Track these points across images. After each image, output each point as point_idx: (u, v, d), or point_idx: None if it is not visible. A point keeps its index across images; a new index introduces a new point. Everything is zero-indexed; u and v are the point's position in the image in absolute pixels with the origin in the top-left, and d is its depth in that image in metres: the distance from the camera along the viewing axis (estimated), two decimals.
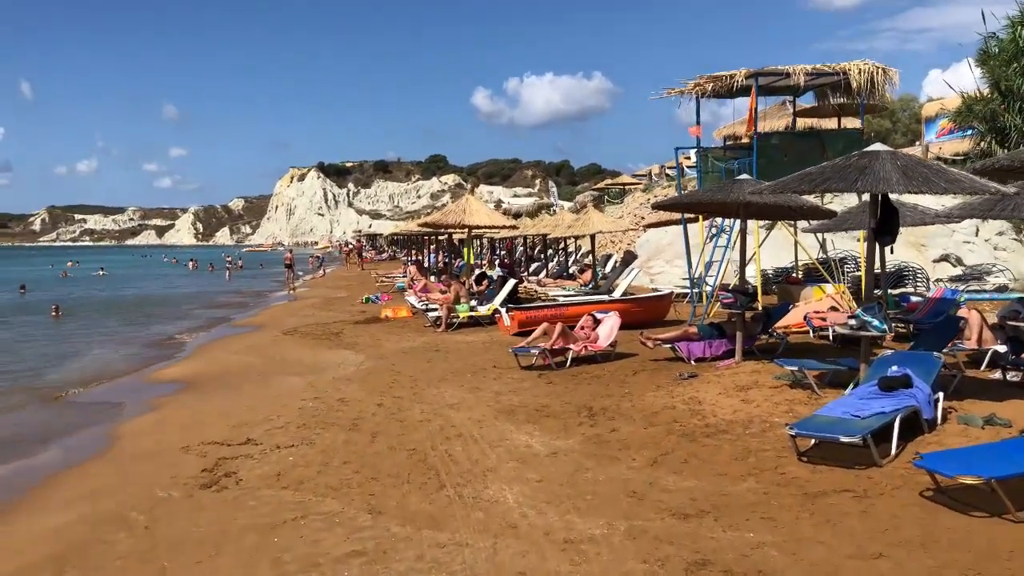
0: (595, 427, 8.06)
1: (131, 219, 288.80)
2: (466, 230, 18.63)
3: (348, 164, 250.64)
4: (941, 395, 7.24)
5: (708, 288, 16.68)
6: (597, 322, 12.51)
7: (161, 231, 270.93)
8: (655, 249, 27.52)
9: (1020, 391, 8.40)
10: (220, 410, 10.01)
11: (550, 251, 33.44)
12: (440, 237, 31.24)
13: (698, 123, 17.50)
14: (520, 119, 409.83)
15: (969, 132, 24.46)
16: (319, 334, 17.18)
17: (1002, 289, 18.91)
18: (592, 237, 20.44)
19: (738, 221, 16.25)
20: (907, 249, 20.17)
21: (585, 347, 11.93)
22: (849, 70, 15.58)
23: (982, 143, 22.88)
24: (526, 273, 28.37)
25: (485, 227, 18.00)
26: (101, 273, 55.26)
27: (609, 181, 62.03)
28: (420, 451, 7.52)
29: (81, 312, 27.75)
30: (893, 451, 6.48)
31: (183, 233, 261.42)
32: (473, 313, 17.29)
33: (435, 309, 17.85)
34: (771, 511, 5.59)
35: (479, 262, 38.27)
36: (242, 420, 9.12)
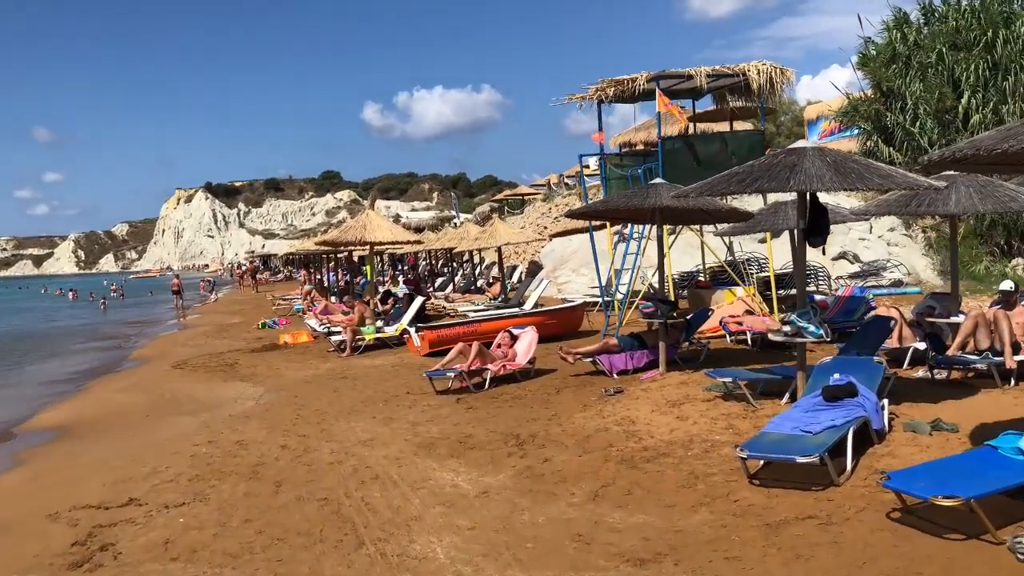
0: (525, 458, 7.38)
1: (3, 249, 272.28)
2: (368, 247, 17.72)
3: (237, 183, 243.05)
4: (886, 402, 6.90)
5: (619, 296, 16.33)
6: (514, 338, 11.88)
7: (39, 260, 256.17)
8: (560, 258, 27.19)
9: (951, 390, 8.22)
10: (99, 462, 8.83)
11: (454, 265, 32.74)
12: (339, 255, 30.04)
13: (600, 129, 17.20)
14: (413, 133, 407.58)
15: (855, 132, 25.26)
16: (213, 365, 15.91)
17: (897, 284, 19.33)
18: (499, 249, 19.85)
19: (650, 227, 15.99)
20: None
21: (504, 366, 11.26)
22: (748, 71, 15.51)
23: (868, 142, 23.62)
24: (432, 289, 27.55)
25: (388, 243, 17.14)
26: None
27: (508, 192, 61.81)
28: (333, 500, 6.66)
29: None
30: (848, 467, 6.06)
31: (63, 262, 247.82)
32: (380, 334, 16.39)
33: (338, 332, 16.87)
34: (734, 548, 5.03)
35: (382, 279, 37.20)
36: (124, 474, 8.01)
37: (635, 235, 15.38)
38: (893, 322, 8.92)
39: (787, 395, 8.14)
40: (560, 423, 8.53)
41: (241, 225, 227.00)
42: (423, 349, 14.63)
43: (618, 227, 21.86)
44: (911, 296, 18.21)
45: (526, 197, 51.22)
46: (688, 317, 11.71)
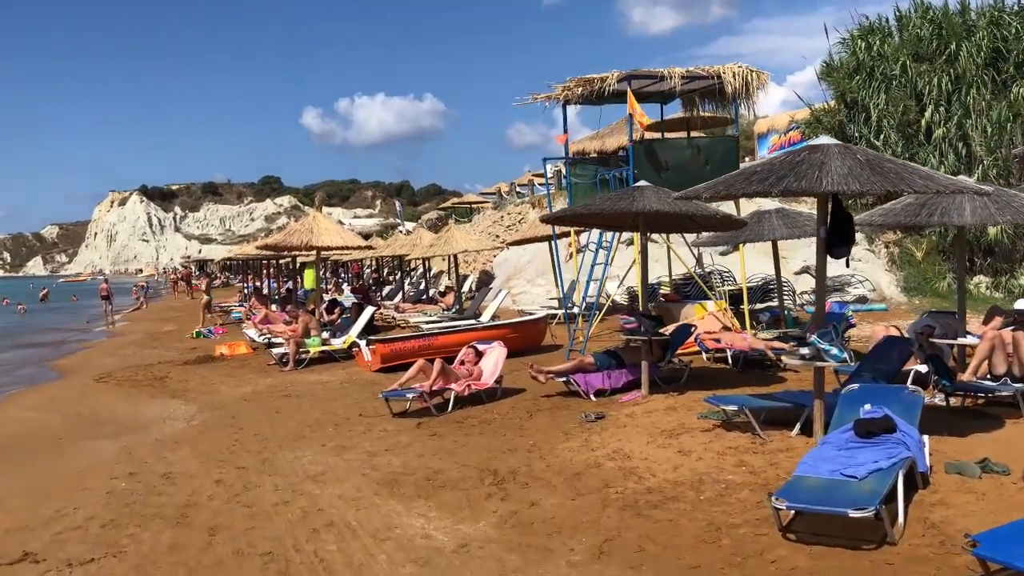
0: (508, 500, 6.28)
1: None
2: (314, 251, 16.42)
3: (174, 187, 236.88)
4: (927, 439, 6.02)
5: (583, 309, 15.40)
6: (479, 354, 10.78)
7: None
8: (514, 268, 26.20)
9: (976, 421, 7.43)
10: (1, 494, 7.45)
11: (400, 273, 31.43)
12: (281, 261, 28.50)
13: (565, 131, 16.26)
14: (354, 140, 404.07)
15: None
16: (139, 379, 14.42)
17: (862, 300, 18.83)
18: (454, 257, 18.72)
19: (618, 235, 15.05)
20: (766, 261, 19.83)
21: (469, 386, 10.15)
22: (723, 73, 14.73)
23: None
24: (380, 298, 26.25)
25: (336, 248, 15.87)
26: None
27: (455, 200, 60.60)
28: (279, 555, 5.47)
29: None
30: (901, 519, 5.13)
31: None
32: (326, 347, 15.10)
33: (280, 344, 15.53)
34: None
35: (325, 287, 35.65)
36: (20, 519, 6.65)
37: (603, 243, 14.47)
38: (914, 345, 8.09)
39: (798, 426, 7.23)
40: (543, 455, 7.45)
41: (177, 229, 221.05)
42: (374, 364, 13.42)
43: (586, 235, 20.98)
44: (877, 313, 17.69)
45: (474, 206, 50.12)
46: (669, 334, 10.77)
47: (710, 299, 15.25)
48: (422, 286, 29.90)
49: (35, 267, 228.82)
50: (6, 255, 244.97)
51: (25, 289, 67.64)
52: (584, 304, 14.97)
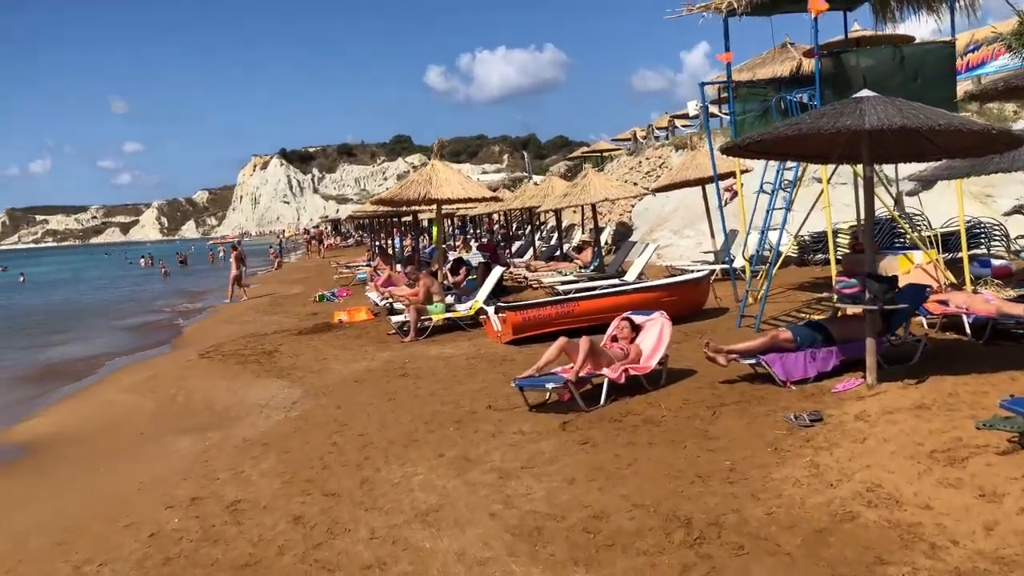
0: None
1: (94, 217, 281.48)
2: (434, 206, 14.41)
3: (311, 149, 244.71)
4: None
5: (753, 263, 12.71)
6: (636, 328, 8.42)
7: (126, 228, 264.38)
8: (657, 218, 23.51)
9: None
10: (18, 532, 5.81)
11: (530, 227, 29.25)
12: (405, 218, 26.94)
13: (727, 48, 13.39)
14: (476, 95, 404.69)
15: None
16: (247, 353, 12.93)
17: None
18: (592, 207, 16.33)
19: (817, 168, 12.18)
20: (969, 201, 16.31)
21: (625, 370, 7.83)
22: None
23: None
24: (509, 255, 24.21)
25: (458, 200, 13.82)
26: (21, 280, 50.07)
27: (585, 149, 57.63)
28: None
29: None
30: None
31: (148, 229, 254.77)
32: (450, 314, 13.13)
33: (401, 310, 13.70)
34: None
35: (452, 244, 34.03)
36: (33, 569, 4.92)
37: (782, 182, 11.71)
38: None
39: None
40: (753, 490, 5.06)
41: (315, 191, 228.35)
42: (505, 335, 11.32)
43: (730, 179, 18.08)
44: None
45: (606, 154, 47.14)
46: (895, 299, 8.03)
47: (917, 247, 12.24)
48: (553, 241, 27.69)
49: (189, 231, 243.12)
50: (163, 220, 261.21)
51: (172, 254, 70.13)
52: (756, 258, 12.27)
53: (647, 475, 5.55)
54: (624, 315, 8.59)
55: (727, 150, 7.97)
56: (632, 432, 6.64)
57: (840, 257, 12.77)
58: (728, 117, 25.26)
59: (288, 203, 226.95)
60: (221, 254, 50.95)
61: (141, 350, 16.09)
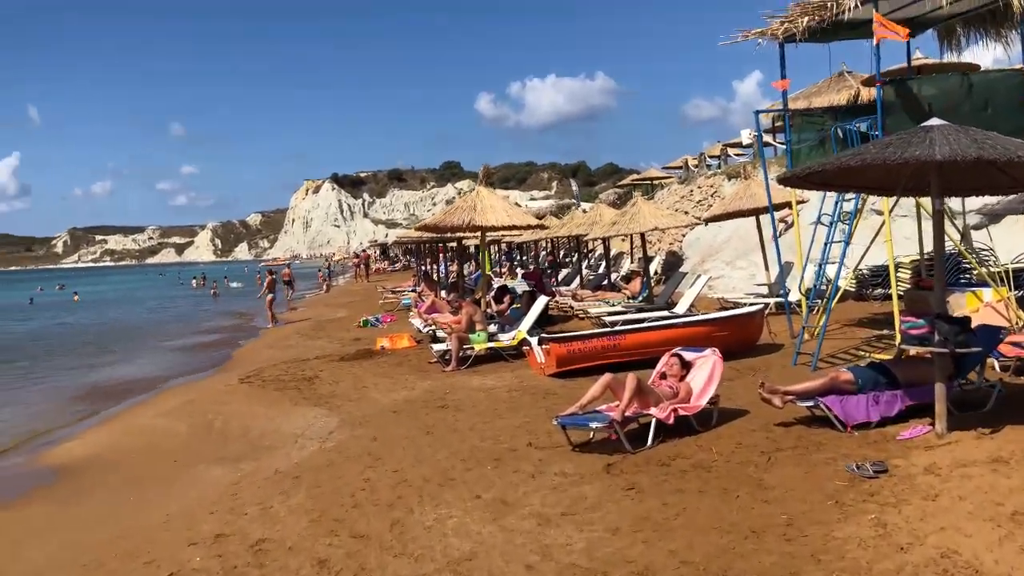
0: None
1: (150, 238, 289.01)
2: (478, 233, 14.17)
3: (362, 174, 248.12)
4: None
5: (811, 297, 12.18)
6: (686, 365, 8.02)
7: (180, 249, 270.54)
8: (708, 248, 23.00)
9: None
10: (44, 562, 5.62)
11: (577, 255, 28.89)
12: (451, 244, 26.84)
13: (783, 76, 12.98)
14: (526, 122, 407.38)
15: None
16: (287, 379, 12.79)
17: None
18: (642, 236, 15.95)
19: (876, 200, 11.62)
20: None
21: (675, 410, 7.42)
22: None
23: None
24: (555, 283, 23.88)
25: (503, 228, 13.57)
26: (75, 299, 51.38)
27: (635, 177, 57.20)
28: None
29: (22, 348, 23.68)
30: None
31: (202, 250, 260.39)
32: (493, 344, 12.83)
33: (444, 338, 13.45)
34: None
35: (498, 270, 33.84)
36: None
37: (841, 214, 11.22)
38: None
39: None
40: (813, 550, 4.62)
41: (365, 215, 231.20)
42: (549, 367, 10.97)
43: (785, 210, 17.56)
44: None
45: (656, 181, 46.67)
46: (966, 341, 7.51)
47: (986, 284, 11.61)
48: (601, 270, 27.30)
49: (242, 252, 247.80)
50: (217, 242, 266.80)
51: (223, 273, 71.31)
52: (814, 292, 11.75)
53: (697, 528, 5.14)
54: (674, 351, 8.19)
55: (785, 180, 7.57)
56: (681, 478, 6.23)
57: (902, 293, 12.19)
58: (782, 146, 24.75)
59: (339, 227, 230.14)
60: (271, 276, 51.73)
61: (183, 373, 16.09)
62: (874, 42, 10.95)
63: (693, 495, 5.81)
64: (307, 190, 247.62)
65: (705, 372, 7.86)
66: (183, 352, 20.22)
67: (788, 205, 15.48)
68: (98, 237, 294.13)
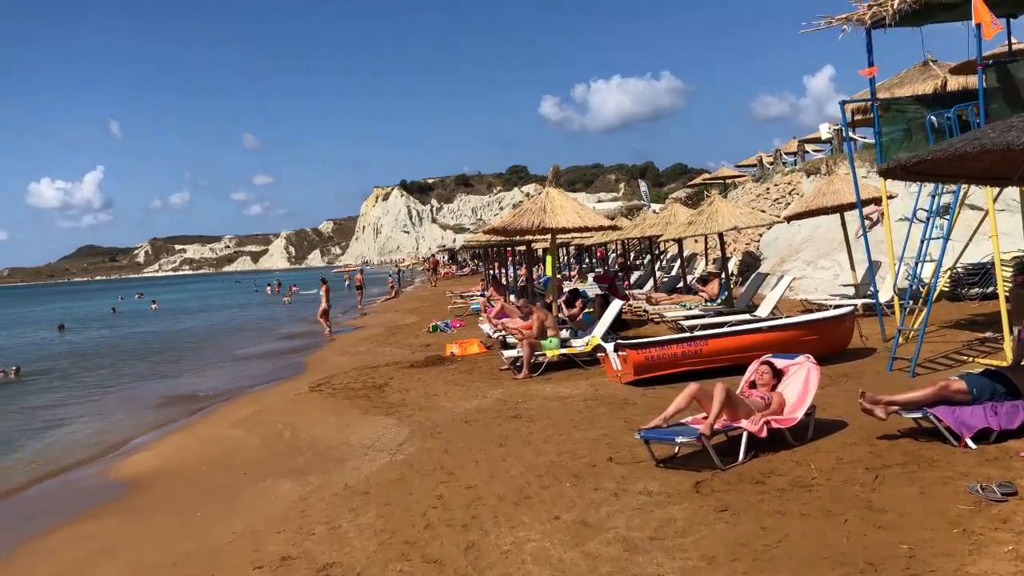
0: None
1: (227, 247, 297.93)
2: (548, 235, 13.75)
3: (430, 180, 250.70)
4: None
5: (905, 298, 11.38)
6: (778, 373, 7.45)
7: (256, 256, 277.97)
8: (788, 248, 22.10)
9: None
10: None
11: (649, 257, 28.18)
12: (519, 247, 26.48)
13: (871, 63, 12.24)
14: (591, 124, 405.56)
15: None
16: (357, 387, 12.58)
17: None
18: (720, 236, 15.31)
19: (985, 191, 10.82)
20: None
21: (768, 423, 6.87)
22: None
23: None
24: (627, 286, 23.29)
25: (575, 229, 13.12)
26: (154, 307, 52.95)
27: (706, 176, 55.99)
28: None
29: (101, 356, 24.27)
30: None
31: (276, 257, 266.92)
32: (565, 350, 12.39)
33: (514, 344, 13.08)
34: None
35: (567, 274, 33.33)
36: None
37: (937, 208, 10.44)
38: None
39: None
40: None
41: (434, 220, 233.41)
42: (626, 375, 10.48)
43: (873, 207, 16.66)
44: None
45: (729, 180, 45.47)
46: None
47: None
48: (673, 272, 26.57)
49: (314, 259, 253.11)
50: (291, 249, 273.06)
51: (299, 281, 72.51)
52: (909, 292, 10.97)
53: (803, 558, 4.62)
54: (764, 358, 7.62)
55: (887, 172, 6.97)
56: (779, 498, 5.69)
57: (1008, 294, 11.30)
58: (864, 140, 23.62)
59: (408, 233, 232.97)
60: (346, 282, 52.97)
61: (255, 381, 16.11)
62: (973, 22, 10.18)
63: (794, 518, 5.27)
64: (377, 197, 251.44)
65: (799, 381, 7.28)
66: (255, 360, 20.33)
67: (875, 201, 14.65)
68: (177, 246, 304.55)
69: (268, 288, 66.40)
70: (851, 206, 14.83)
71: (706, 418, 6.74)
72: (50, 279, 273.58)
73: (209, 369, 19.40)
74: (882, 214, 17.97)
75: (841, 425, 7.36)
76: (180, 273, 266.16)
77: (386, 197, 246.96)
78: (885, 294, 13.04)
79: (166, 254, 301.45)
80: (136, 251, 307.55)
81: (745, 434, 6.72)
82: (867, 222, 18.02)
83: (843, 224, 15.61)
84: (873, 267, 14.47)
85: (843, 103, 12.73)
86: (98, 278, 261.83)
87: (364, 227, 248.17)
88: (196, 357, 22.43)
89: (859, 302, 13.98)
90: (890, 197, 14.48)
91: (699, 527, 5.30)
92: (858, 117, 17.39)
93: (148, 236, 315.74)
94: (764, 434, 6.78)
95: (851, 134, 24.45)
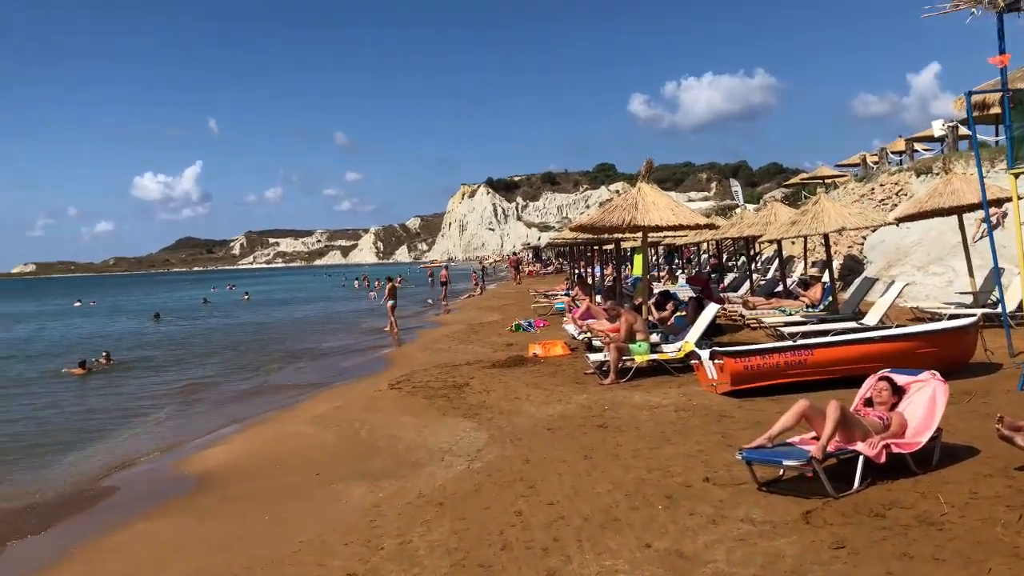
0: None
1: (318, 241, 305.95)
2: (639, 233, 13.08)
3: (516, 178, 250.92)
4: None
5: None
6: (898, 390, 6.65)
7: (346, 251, 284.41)
8: (895, 252, 20.76)
9: None
10: None
11: (741, 259, 27.06)
12: (606, 246, 25.76)
13: (1003, 50, 11.12)
14: (681, 122, 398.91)
15: None
16: (437, 386, 12.22)
17: None
18: (825, 238, 14.33)
19: None
20: None
21: (887, 447, 6.10)
22: None
23: None
24: (722, 289, 22.33)
25: (669, 228, 12.40)
26: (246, 298, 54.41)
27: (804, 176, 53.85)
28: None
29: (189, 346, 24.78)
30: None
31: (365, 252, 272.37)
32: (656, 355, 11.73)
33: (600, 347, 12.47)
34: None
35: (657, 275, 32.43)
36: None
37: None
38: None
39: None
40: None
41: (519, 218, 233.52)
42: (722, 385, 9.74)
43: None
44: None
45: (828, 180, 43.54)
46: None
47: None
48: (769, 274, 25.42)
49: (402, 255, 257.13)
50: (379, 244, 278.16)
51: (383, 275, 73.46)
52: None
53: None
54: (882, 373, 6.83)
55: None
56: (903, 536, 4.96)
57: None
58: (982, 138, 21.99)
59: (493, 230, 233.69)
60: (430, 278, 53.46)
61: (337, 375, 16.05)
62: None
63: (926, 563, 4.55)
64: (463, 194, 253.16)
65: (923, 400, 6.46)
66: (339, 355, 20.33)
67: (1001, 201, 13.45)
68: (271, 240, 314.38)
69: (356, 282, 67.45)
70: (972, 207, 13.67)
71: (816, 439, 6.04)
72: (151, 269, 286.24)
73: (293, 363, 19.46)
74: (1004, 216, 16.64)
75: (972, 452, 6.52)
76: (273, 266, 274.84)
77: (472, 194, 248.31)
78: (1012, 303, 11.89)
79: (260, 247, 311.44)
80: (232, 243, 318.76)
81: (861, 459, 5.98)
82: (984, 225, 16.68)
83: (961, 227, 14.40)
84: (999, 275, 13.27)
85: (969, 93, 11.62)
86: (196, 269, 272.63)
87: (450, 224, 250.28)
88: (282, 350, 22.61)
89: (979, 311, 12.81)
90: (1020, 198, 13.28)
91: (812, 566, 4.64)
92: (975, 114, 16.06)
93: (243, 229, 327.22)
94: (883, 459, 6.01)
95: (966, 130, 22.86)
